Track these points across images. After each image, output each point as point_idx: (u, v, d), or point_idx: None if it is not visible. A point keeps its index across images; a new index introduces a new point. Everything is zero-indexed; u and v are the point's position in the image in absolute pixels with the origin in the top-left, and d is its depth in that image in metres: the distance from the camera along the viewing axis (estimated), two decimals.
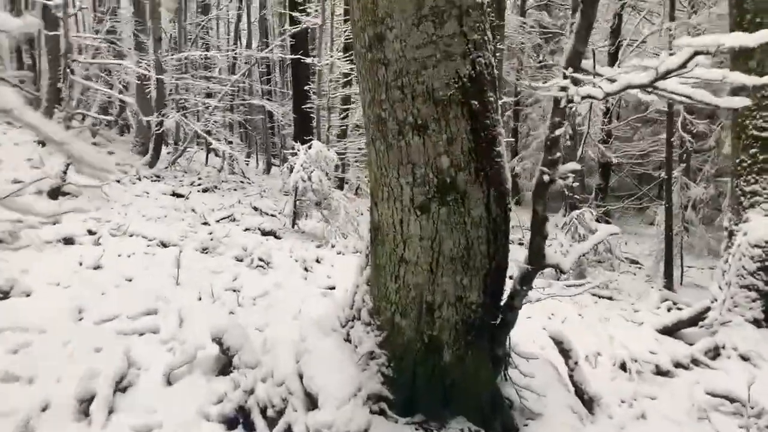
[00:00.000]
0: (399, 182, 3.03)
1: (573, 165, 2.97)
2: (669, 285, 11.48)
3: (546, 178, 2.96)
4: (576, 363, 3.71)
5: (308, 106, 16.87)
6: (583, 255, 12.77)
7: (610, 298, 9.55)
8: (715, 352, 5.42)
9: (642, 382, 4.55)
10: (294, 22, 17.23)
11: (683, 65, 2.21)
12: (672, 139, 11.36)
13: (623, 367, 4.80)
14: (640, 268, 14.17)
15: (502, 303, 3.31)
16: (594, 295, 9.44)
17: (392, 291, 3.21)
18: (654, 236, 13.87)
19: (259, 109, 22.81)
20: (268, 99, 24.68)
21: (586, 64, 2.90)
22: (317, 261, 7.60)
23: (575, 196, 15.11)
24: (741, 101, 2.40)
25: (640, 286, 11.50)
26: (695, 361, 5.15)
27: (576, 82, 2.76)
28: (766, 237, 5.88)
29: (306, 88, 17.42)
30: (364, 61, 3.02)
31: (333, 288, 6.32)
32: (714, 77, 2.31)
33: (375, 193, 3.24)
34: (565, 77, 2.77)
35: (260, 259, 6.71)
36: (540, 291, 3.28)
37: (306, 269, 7.05)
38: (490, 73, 3.02)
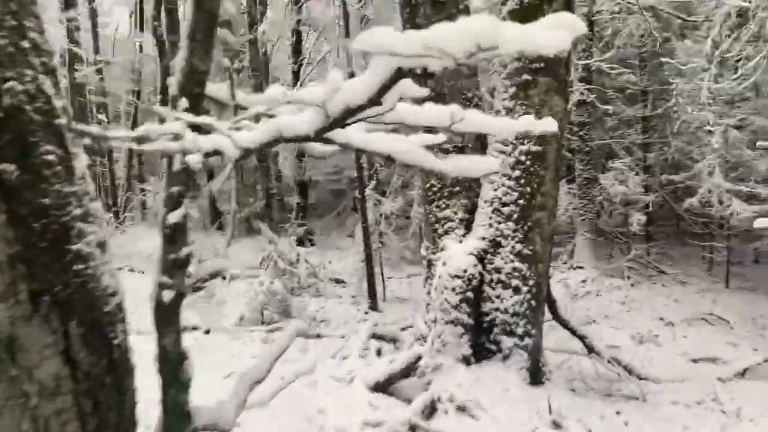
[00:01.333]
0: None
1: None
2: (374, 305, 11.27)
3: (169, 296, 1.65)
4: None
5: None
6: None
7: (318, 336, 8.74)
8: (432, 408, 4.79)
9: None
10: None
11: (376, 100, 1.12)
12: (361, 160, 11.15)
13: None
14: (344, 286, 13.90)
15: None
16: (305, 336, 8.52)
17: None
18: (356, 252, 13.75)
19: None
20: None
21: (218, 90, 1.69)
22: None
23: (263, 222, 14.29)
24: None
25: (348, 312, 11.06)
26: (414, 428, 4.41)
27: (198, 128, 1.50)
28: (463, 266, 5.52)
29: None
30: None
31: None
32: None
33: None
34: (177, 118, 1.50)
35: None
36: None
37: None
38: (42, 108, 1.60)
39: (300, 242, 19.40)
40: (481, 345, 5.62)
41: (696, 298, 13.21)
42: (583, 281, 13.91)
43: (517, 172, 5.50)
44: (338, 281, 14.38)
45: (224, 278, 11.59)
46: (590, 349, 6.90)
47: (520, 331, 5.51)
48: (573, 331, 6.82)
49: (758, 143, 8.19)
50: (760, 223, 4.22)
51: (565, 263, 14.89)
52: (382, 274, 12.75)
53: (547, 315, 6.68)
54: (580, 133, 14.79)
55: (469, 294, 5.51)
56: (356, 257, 13.07)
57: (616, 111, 16.18)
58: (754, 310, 11.97)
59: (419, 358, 5.36)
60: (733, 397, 6.44)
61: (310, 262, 13.14)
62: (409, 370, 5.30)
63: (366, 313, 11.06)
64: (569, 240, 16.27)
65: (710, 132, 13.56)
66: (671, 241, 18.00)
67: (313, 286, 12.90)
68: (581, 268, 14.58)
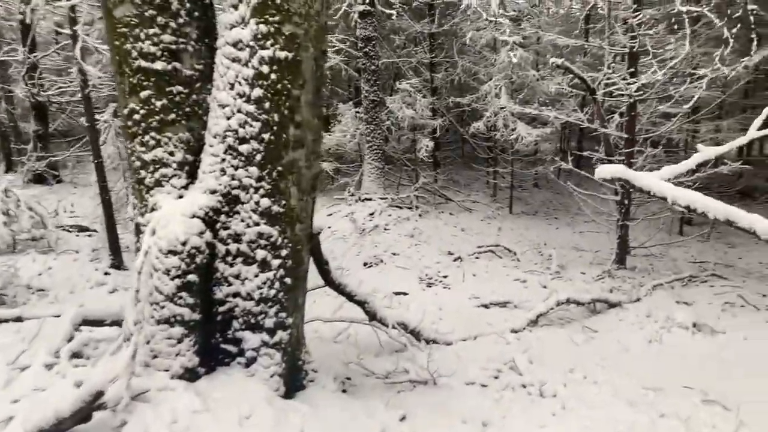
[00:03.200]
0: None
1: None
2: (118, 261, 8.95)
3: None
4: None
5: None
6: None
7: (19, 319, 6.30)
8: None
9: None
10: None
11: None
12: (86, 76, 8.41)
13: None
14: (90, 236, 11.18)
15: None
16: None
17: None
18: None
19: None
20: None
21: None
22: None
23: None
24: None
25: (80, 274, 8.61)
26: None
27: None
28: (182, 235, 3.64)
29: None
30: None
31: None
32: None
33: None
34: None
35: None
36: None
37: None
38: None
39: (39, 179, 15.80)
40: (216, 348, 3.87)
41: (482, 226, 12.84)
42: (371, 214, 12.81)
43: (257, 91, 3.66)
44: (82, 229, 11.58)
45: None
46: (372, 316, 5.56)
47: (270, 322, 3.84)
48: (351, 297, 5.38)
49: (552, 60, 7.30)
50: (600, 173, 2.97)
51: (352, 195, 13.64)
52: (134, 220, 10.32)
53: (321, 280, 5.15)
54: (366, 49, 13.28)
55: (193, 276, 3.66)
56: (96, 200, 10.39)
57: (403, 27, 14.94)
58: (538, 237, 11.85)
59: (113, 380, 3.44)
60: (531, 359, 5.56)
61: (35, 209, 10.22)
62: (93, 404, 3.38)
63: (106, 273, 8.70)
64: (356, 169, 15.09)
65: (495, 50, 12.95)
66: (457, 166, 17.80)
67: (42, 240, 10.10)
68: (369, 200, 13.45)
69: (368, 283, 8.53)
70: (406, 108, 13.23)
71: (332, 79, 16.44)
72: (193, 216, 3.73)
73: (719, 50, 7.71)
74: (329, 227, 12.41)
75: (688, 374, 5.41)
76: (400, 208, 13.37)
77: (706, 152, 3.08)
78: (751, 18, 6.46)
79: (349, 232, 12.06)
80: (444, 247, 11.02)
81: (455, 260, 10.07)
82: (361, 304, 5.46)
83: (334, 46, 11.96)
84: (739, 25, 6.81)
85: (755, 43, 7.10)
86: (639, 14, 8.01)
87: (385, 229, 12.31)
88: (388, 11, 12.06)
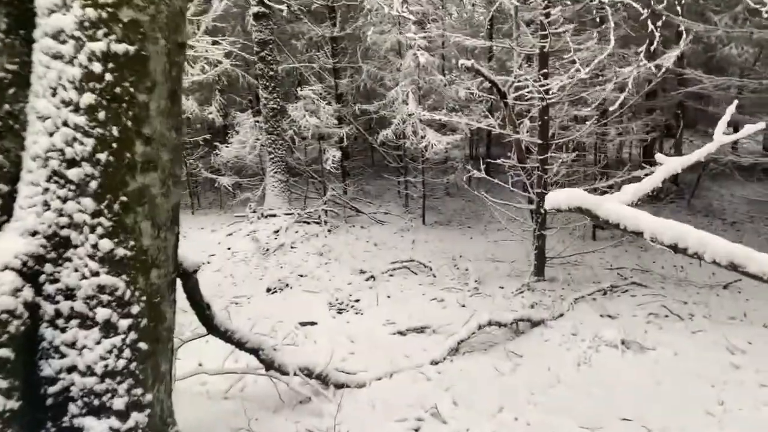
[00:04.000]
0: None
1: None
2: None
3: None
4: None
5: None
6: None
7: None
8: None
9: None
10: None
11: None
12: None
13: None
14: None
15: None
16: None
17: None
18: None
19: None
20: None
21: None
22: None
23: None
24: None
25: None
26: None
27: None
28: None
29: None
30: None
31: None
32: None
33: None
34: None
35: None
36: None
37: None
38: None
39: None
40: None
41: (396, 239, 12.18)
42: (276, 232, 11.85)
43: (88, 97, 2.73)
44: None
45: None
46: (268, 365, 4.68)
47: (120, 403, 2.90)
48: (241, 345, 4.48)
49: (461, 62, 6.71)
50: (552, 201, 2.26)
51: (254, 212, 12.60)
52: None
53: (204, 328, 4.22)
54: (262, 53, 12.31)
55: (5, 351, 2.66)
56: None
57: (304, 31, 14.09)
58: (452, 248, 11.31)
59: None
60: (455, 399, 4.87)
61: None
62: None
63: None
64: (258, 183, 14.05)
65: (400, 55, 12.34)
66: (367, 176, 17.11)
67: None
68: (273, 216, 12.48)
69: (271, 314, 7.63)
70: (310, 116, 12.37)
71: (229, 86, 15.32)
72: (5, 268, 2.74)
73: (627, 50, 7.42)
74: (229, 248, 11.35)
75: (624, 404, 4.92)
76: (308, 223, 12.48)
77: (669, 164, 2.48)
78: (679, 9, 6.14)
79: (252, 253, 11.05)
80: (356, 265, 10.25)
81: (368, 279, 9.31)
82: (254, 352, 4.57)
83: (224, 49, 10.92)
84: (657, 25, 6.51)
85: (685, 37, 6.83)
86: (549, 11, 7.61)
87: (292, 248, 11.39)
88: (278, 6, 11.18)
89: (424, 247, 11.49)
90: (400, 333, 6.90)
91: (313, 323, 7.53)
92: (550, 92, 7.90)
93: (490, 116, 9.09)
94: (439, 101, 12.89)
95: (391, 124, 12.74)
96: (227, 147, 13.48)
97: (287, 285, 9.29)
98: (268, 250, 11.13)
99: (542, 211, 8.39)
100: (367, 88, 14.73)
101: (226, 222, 12.86)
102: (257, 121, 13.32)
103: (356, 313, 7.80)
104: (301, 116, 12.41)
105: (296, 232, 12.01)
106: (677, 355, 5.97)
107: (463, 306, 7.76)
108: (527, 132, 9.09)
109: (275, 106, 12.56)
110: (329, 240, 11.85)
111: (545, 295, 8.18)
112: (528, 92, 8.25)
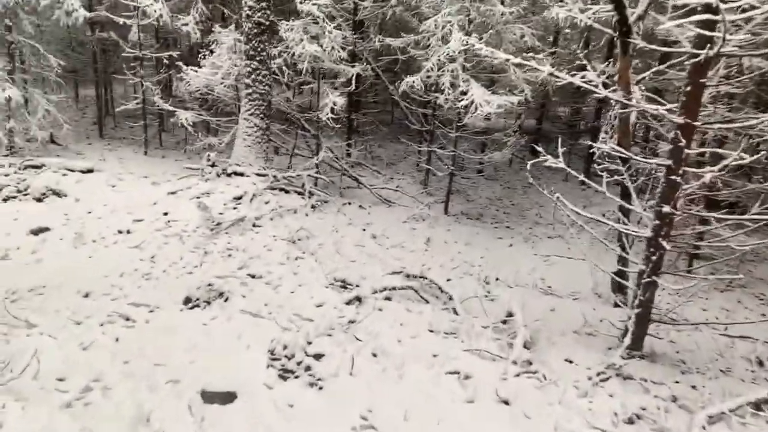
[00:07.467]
0: None
1: None
2: None
3: None
4: None
5: None
6: None
7: None
8: None
9: None
10: None
11: None
12: None
13: None
14: None
15: None
16: None
17: None
18: None
19: None
20: None
21: None
22: None
23: None
24: None
25: None
26: None
27: None
28: None
29: None
30: None
31: None
32: None
33: None
34: None
35: None
36: None
37: None
38: None
39: None
40: None
41: (403, 232, 8.67)
42: (238, 199, 8.33)
43: None
44: None
45: None
46: None
47: None
48: None
49: None
50: None
51: (213, 165, 9.03)
52: None
53: None
54: None
55: None
56: None
57: None
58: (483, 262, 7.76)
59: None
60: None
61: None
62: None
63: None
64: (229, 125, 10.44)
65: None
66: (380, 136, 13.46)
67: None
68: (240, 174, 8.93)
69: (164, 358, 4.20)
70: (309, 42, 8.67)
71: None
72: None
73: None
74: (165, 214, 7.87)
75: None
76: (286, 191, 8.95)
77: None
78: None
79: (195, 227, 7.58)
80: (339, 270, 6.81)
81: (350, 303, 5.83)
82: None
83: None
84: None
85: None
86: None
87: (255, 226, 7.89)
88: None
89: (442, 252, 7.97)
90: None
91: (231, 395, 4.12)
92: (719, 37, 4.16)
93: (587, 66, 5.39)
94: (496, 41, 9.10)
95: (421, 69, 9.03)
96: (196, 72, 9.85)
97: (221, 295, 5.81)
98: (219, 224, 7.65)
99: (664, 244, 4.78)
100: (396, 17, 10.90)
101: (175, 173, 9.34)
102: (239, 41, 9.64)
103: (311, 386, 4.32)
104: (298, 40, 8.71)
105: (266, 202, 8.50)
106: None
107: (505, 403, 4.24)
108: (642, 98, 5.44)
109: (262, 20, 8.84)
110: (311, 221, 8.35)
111: (648, 394, 4.64)
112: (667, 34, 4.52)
